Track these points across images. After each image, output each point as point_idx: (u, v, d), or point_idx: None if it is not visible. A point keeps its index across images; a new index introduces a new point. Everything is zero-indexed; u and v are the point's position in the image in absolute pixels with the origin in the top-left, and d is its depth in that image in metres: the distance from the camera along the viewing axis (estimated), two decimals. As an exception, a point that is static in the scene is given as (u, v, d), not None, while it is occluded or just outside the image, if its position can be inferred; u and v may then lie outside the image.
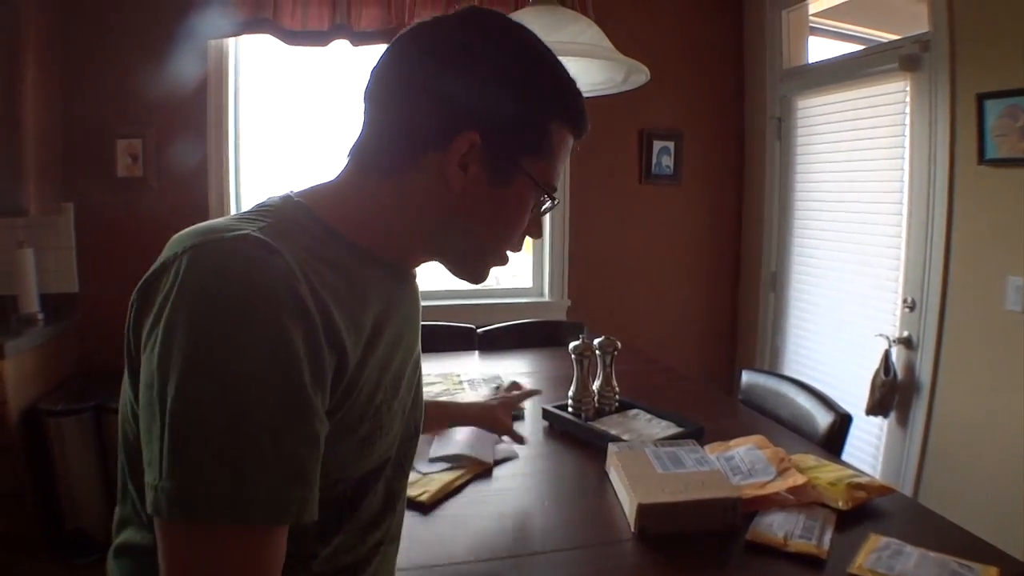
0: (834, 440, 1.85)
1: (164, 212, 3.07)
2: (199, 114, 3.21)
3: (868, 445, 3.12)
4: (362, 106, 0.84)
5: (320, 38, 3.13)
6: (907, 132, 2.90)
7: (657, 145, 3.84)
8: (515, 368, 2.55)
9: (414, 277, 0.95)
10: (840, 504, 1.36)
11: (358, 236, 0.80)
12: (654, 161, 3.84)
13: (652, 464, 1.44)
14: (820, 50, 3.75)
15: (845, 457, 1.81)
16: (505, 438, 1.71)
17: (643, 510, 1.27)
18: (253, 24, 3.04)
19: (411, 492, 1.37)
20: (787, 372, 3.57)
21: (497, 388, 1.95)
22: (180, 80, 3.11)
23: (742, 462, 1.55)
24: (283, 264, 0.67)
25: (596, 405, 1.93)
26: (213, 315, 0.63)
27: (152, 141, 3.13)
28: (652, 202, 3.90)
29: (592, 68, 1.94)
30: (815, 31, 3.79)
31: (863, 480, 1.45)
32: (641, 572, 1.22)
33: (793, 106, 3.66)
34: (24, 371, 2.62)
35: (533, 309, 3.67)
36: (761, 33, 3.79)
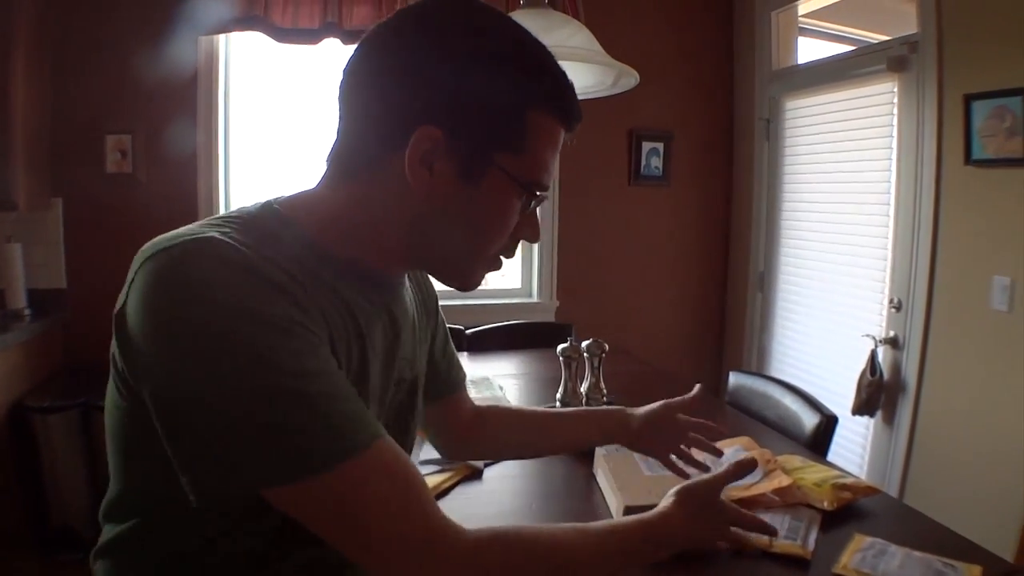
0: (820, 441, 1.87)
1: (153, 208, 3.06)
2: (189, 110, 3.20)
3: (854, 445, 3.14)
4: (336, 110, 0.81)
5: (311, 36, 3.13)
6: (895, 133, 2.92)
7: (646, 146, 3.84)
8: (504, 369, 2.56)
9: (401, 286, 0.91)
10: (825, 504, 1.37)
11: (334, 245, 0.78)
12: (643, 162, 3.85)
13: (639, 466, 1.45)
14: (809, 51, 3.77)
15: (831, 456, 1.82)
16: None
17: (629, 512, 1.27)
18: (244, 21, 3.03)
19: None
20: (774, 372, 3.60)
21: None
22: (170, 76, 3.10)
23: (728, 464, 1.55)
24: (245, 254, 0.67)
25: (584, 407, 1.93)
26: (204, 311, 0.63)
27: (142, 137, 3.12)
28: (641, 203, 3.91)
29: (582, 71, 1.94)
30: (804, 32, 3.81)
31: (848, 481, 1.46)
32: (627, 574, 1.22)
33: (782, 107, 3.67)
34: (10, 367, 2.61)
35: (521, 310, 3.68)
36: (750, 34, 3.81)
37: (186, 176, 3.21)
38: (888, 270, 2.98)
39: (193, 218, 2.98)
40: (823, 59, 3.50)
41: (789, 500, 1.39)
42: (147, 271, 0.66)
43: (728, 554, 1.23)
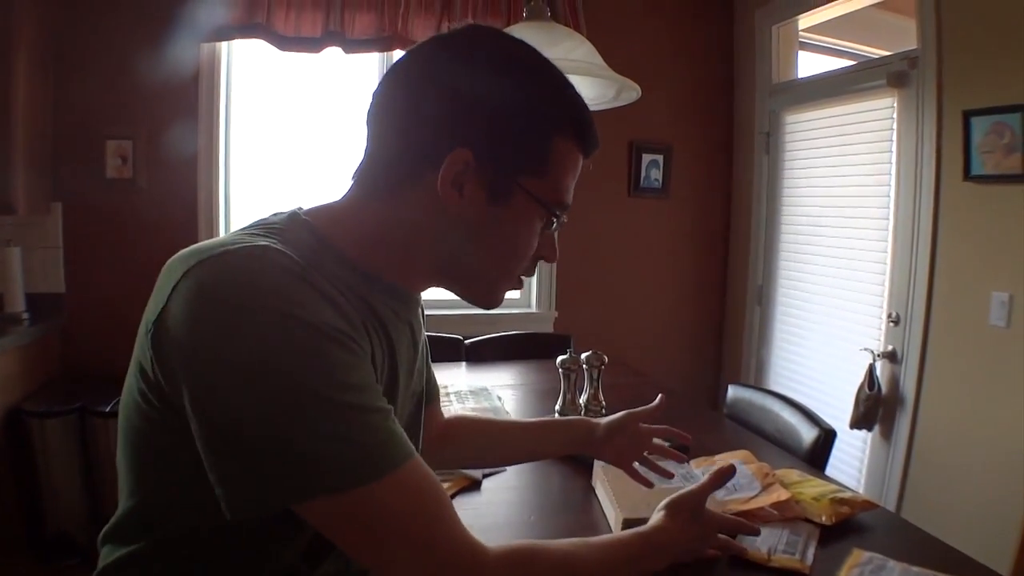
0: (818, 455, 1.86)
1: (153, 214, 3.06)
2: (190, 116, 3.20)
3: (852, 459, 3.14)
4: (364, 128, 0.83)
5: (313, 44, 3.14)
6: (894, 148, 2.93)
7: (646, 158, 3.86)
8: (502, 380, 2.55)
9: (418, 303, 0.93)
10: (824, 519, 1.37)
11: (362, 259, 0.80)
12: (643, 174, 3.86)
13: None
14: (809, 65, 3.79)
15: (829, 470, 1.82)
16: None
17: (628, 525, 1.27)
18: (246, 28, 3.04)
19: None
20: (772, 385, 3.60)
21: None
22: (171, 82, 3.10)
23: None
24: (293, 260, 0.69)
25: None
26: (247, 321, 0.64)
27: (142, 143, 3.12)
28: (640, 215, 3.92)
29: (584, 85, 1.95)
30: (804, 46, 3.83)
31: (847, 495, 1.46)
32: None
33: (781, 121, 3.68)
34: (8, 372, 2.60)
35: (520, 320, 3.68)
36: (751, 48, 3.82)
37: (186, 182, 3.21)
38: (887, 284, 2.99)
39: (193, 225, 2.99)
40: (823, 73, 3.51)
41: (787, 514, 1.39)
42: (197, 279, 0.66)
43: (727, 566, 1.23)
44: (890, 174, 2.95)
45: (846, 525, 1.38)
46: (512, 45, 0.82)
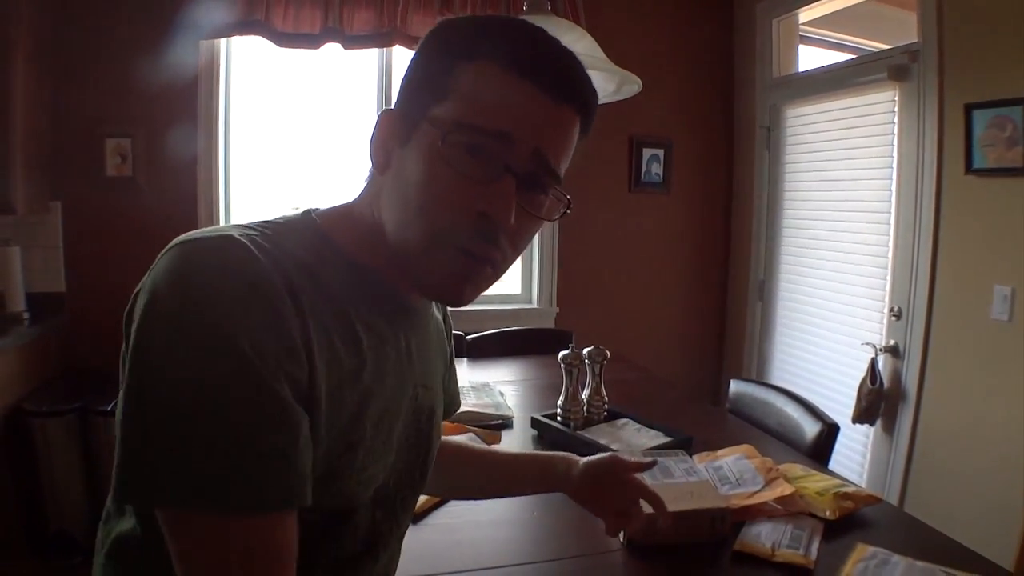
0: (821, 449, 1.86)
1: (153, 212, 3.05)
2: (189, 114, 3.20)
3: (854, 453, 3.14)
4: None
5: (312, 41, 3.13)
6: (895, 141, 2.93)
7: (647, 153, 3.85)
8: (504, 376, 2.55)
9: (423, 314, 0.88)
10: (827, 514, 1.37)
11: (361, 256, 0.77)
12: (644, 169, 3.86)
13: (641, 475, 1.44)
14: (810, 59, 3.78)
15: (832, 465, 1.82)
16: (494, 446, 1.72)
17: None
18: (245, 25, 3.03)
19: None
20: (774, 380, 3.59)
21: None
22: (171, 80, 3.09)
23: (730, 472, 1.56)
24: (259, 265, 0.64)
25: (585, 414, 1.93)
26: (181, 304, 0.61)
27: (142, 141, 3.12)
28: (641, 210, 3.91)
29: (585, 77, 1.94)
30: (805, 40, 3.82)
31: (850, 490, 1.46)
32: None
33: (782, 115, 3.68)
34: (8, 371, 2.60)
35: (521, 316, 3.68)
36: (751, 42, 3.81)
37: (186, 180, 3.21)
38: (888, 279, 2.98)
39: (193, 223, 3.00)
40: (824, 67, 3.50)
41: (791, 509, 1.39)
42: (155, 271, 0.64)
43: (729, 562, 1.23)
44: (891, 168, 2.95)
45: (850, 520, 1.38)
46: (466, 21, 0.78)
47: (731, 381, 2.39)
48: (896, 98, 2.92)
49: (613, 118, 3.52)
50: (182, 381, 0.58)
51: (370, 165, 0.78)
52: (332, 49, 3.17)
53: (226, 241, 0.65)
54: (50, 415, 2.63)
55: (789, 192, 3.67)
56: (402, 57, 3.39)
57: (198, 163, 3.22)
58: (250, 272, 0.63)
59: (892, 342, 2.94)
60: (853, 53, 3.72)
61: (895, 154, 2.93)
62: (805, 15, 3.65)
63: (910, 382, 2.86)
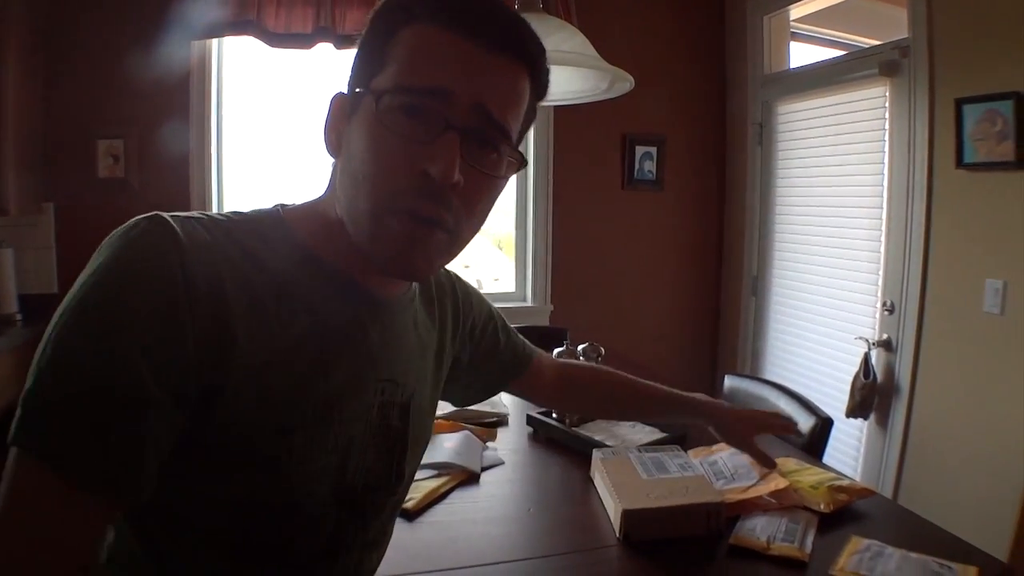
0: (815, 443, 1.87)
1: (145, 213, 3.04)
2: (182, 115, 3.19)
3: (848, 447, 3.15)
4: None
5: (304, 40, 3.12)
6: (887, 137, 2.94)
7: (640, 150, 3.85)
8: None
9: (399, 306, 0.87)
10: (822, 507, 1.38)
11: (319, 247, 0.78)
12: (637, 166, 3.86)
13: (636, 470, 1.45)
14: (801, 55, 3.79)
15: (826, 460, 1.83)
16: (490, 444, 1.73)
17: (628, 516, 1.28)
18: (236, 25, 3.03)
19: (396, 498, 1.37)
20: (768, 375, 3.60)
21: None
22: (163, 80, 3.09)
23: (725, 467, 1.56)
24: (168, 243, 0.67)
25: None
26: (88, 273, 0.65)
27: (134, 142, 3.11)
28: (635, 207, 3.91)
29: (577, 76, 1.94)
30: (796, 37, 3.83)
31: (844, 483, 1.46)
32: (626, 576, 1.23)
33: (774, 111, 3.69)
34: (2, 373, 2.59)
35: (516, 314, 3.68)
36: (743, 39, 3.82)
37: (179, 181, 3.20)
38: (881, 273, 2.99)
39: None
40: (815, 63, 3.51)
41: (786, 503, 1.39)
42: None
43: (725, 556, 1.24)
44: (883, 163, 2.96)
45: (844, 513, 1.39)
46: None
47: (725, 376, 2.40)
48: (887, 93, 2.93)
49: (605, 116, 3.54)
50: (56, 345, 0.62)
51: (325, 150, 0.79)
52: (324, 49, 3.16)
53: (146, 228, 0.68)
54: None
55: (782, 188, 3.68)
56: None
57: (190, 163, 3.22)
58: (155, 263, 0.65)
59: (885, 336, 2.96)
60: (844, 49, 3.73)
61: (886, 149, 2.94)
62: (796, 12, 3.66)
63: (903, 376, 2.87)
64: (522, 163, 0.77)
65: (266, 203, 0.82)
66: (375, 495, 0.86)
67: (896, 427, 2.90)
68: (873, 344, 2.98)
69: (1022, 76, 2.34)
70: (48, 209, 3.04)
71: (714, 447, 1.68)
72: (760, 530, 1.29)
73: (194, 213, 0.73)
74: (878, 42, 3.09)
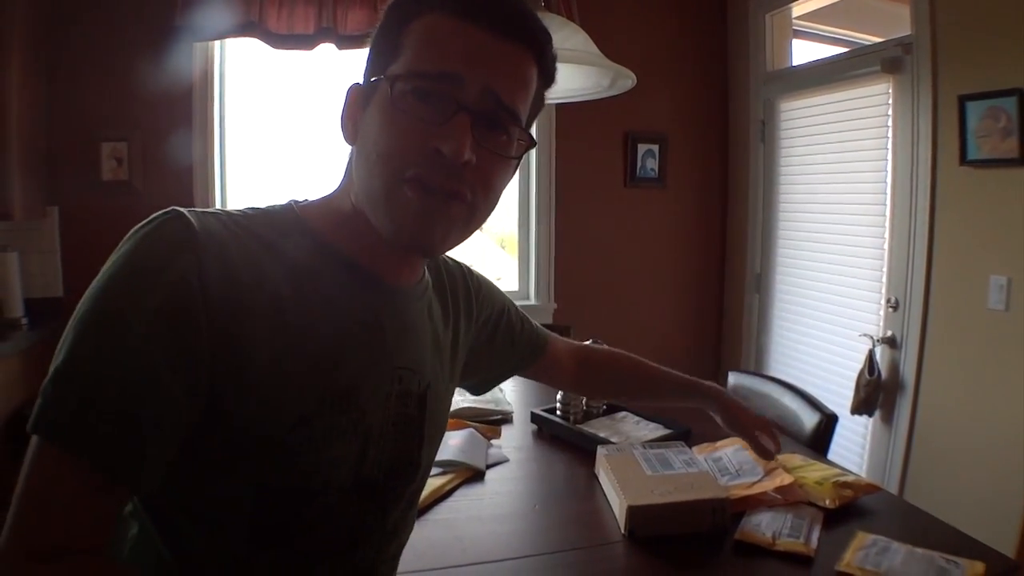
0: (820, 440, 1.87)
1: (149, 215, 3.04)
2: (185, 117, 3.19)
3: (853, 444, 3.15)
4: None
5: (306, 41, 3.13)
6: (890, 134, 2.93)
7: (642, 148, 3.85)
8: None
9: (415, 295, 0.89)
10: (827, 503, 1.38)
11: (334, 238, 0.80)
12: (639, 164, 3.86)
13: (641, 466, 1.45)
14: (803, 53, 3.79)
15: (831, 456, 1.83)
16: (495, 441, 1.73)
17: (633, 512, 1.28)
18: (240, 27, 3.03)
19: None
20: (772, 373, 3.60)
21: None
22: (166, 83, 3.09)
23: (730, 463, 1.56)
24: (184, 237, 0.69)
25: (584, 408, 1.94)
26: (107, 268, 0.68)
27: (138, 144, 3.11)
28: (637, 205, 3.91)
29: (579, 74, 1.95)
30: (798, 34, 3.83)
31: (849, 479, 1.46)
32: (632, 573, 1.23)
33: (777, 109, 3.68)
34: (9, 377, 2.60)
35: (520, 312, 3.67)
36: (745, 36, 3.82)
37: (182, 183, 3.20)
38: (885, 270, 2.99)
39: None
40: (818, 61, 3.51)
41: (791, 498, 1.39)
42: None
43: (731, 552, 1.24)
44: (886, 160, 2.95)
45: (850, 509, 1.39)
46: None
47: (729, 373, 2.40)
48: (890, 90, 2.92)
49: (607, 114, 3.54)
50: (76, 337, 0.65)
51: (343, 140, 0.81)
52: (326, 50, 3.17)
53: (164, 223, 0.71)
54: (51, 419, 2.62)
55: (784, 185, 3.67)
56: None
57: (194, 166, 3.22)
58: (165, 256, 0.68)
59: (889, 333, 2.95)
60: (846, 46, 3.73)
61: (890, 146, 2.94)
62: (798, 9, 3.65)
63: (908, 372, 2.87)
64: (531, 143, 0.80)
65: (276, 201, 0.84)
66: (394, 484, 0.87)
67: (901, 424, 2.89)
68: (877, 341, 2.97)
69: (1026, 72, 2.34)
70: (52, 213, 3.05)
71: (718, 443, 1.68)
72: (766, 526, 1.29)
73: (211, 208, 0.76)
74: (881, 39, 3.09)
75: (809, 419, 1.93)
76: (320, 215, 0.81)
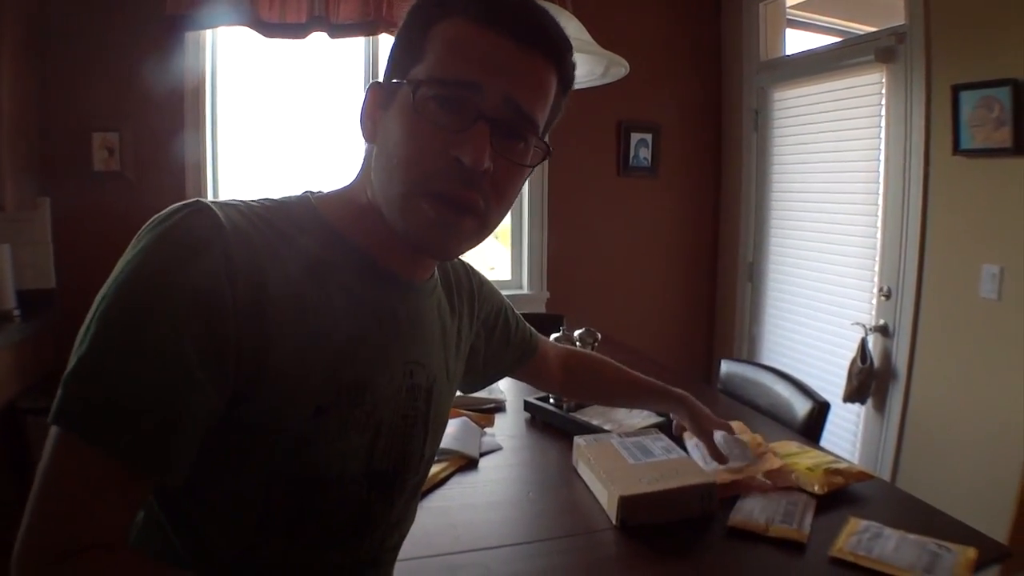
0: (812, 428, 1.88)
1: (141, 206, 2.99)
2: (177, 107, 3.18)
3: (846, 432, 3.16)
4: None
5: (298, 30, 3.11)
6: (883, 123, 2.94)
7: (635, 137, 3.85)
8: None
9: (426, 290, 0.90)
10: (816, 488, 1.38)
11: (349, 230, 0.80)
12: (632, 153, 3.86)
13: (622, 455, 1.44)
14: (797, 42, 3.79)
15: (823, 444, 1.83)
16: (488, 429, 1.73)
17: (624, 502, 1.28)
18: (231, 16, 3.01)
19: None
20: (765, 361, 3.60)
21: None
22: (157, 73, 3.07)
23: (721, 448, 1.56)
24: (211, 227, 0.69)
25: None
26: (131, 256, 0.68)
27: (129, 134, 3.10)
28: (630, 194, 3.92)
29: (572, 61, 1.94)
30: (792, 23, 3.83)
31: (841, 466, 1.47)
32: (627, 560, 1.23)
33: (770, 98, 3.68)
34: (1, 369, 2.59)
35: (513, 301, 3.63)
36: (738, 25, 3.81)
37: (175, 173, 3.19)
38: (878, 259, 3.00)
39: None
40: (811, 50, 3.51)
41: (781, 483, 1.40)
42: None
43: (725, 538, 1.24)
44: (879, 149, 2.96)
45: (843, 495, 1.40)
46: None
47: (721, 361, 2.41)
48: (883, 80, 2.93)
49: (601, 103, 3.53)
50: (100, 325, 0.66)
51: (361, 137, 0.82)
52: (318, 38, 3.15)
53: (190, 212, 0.70)
54: (44, 412, 2.57)
55: (777, 174, 3.68)
56: (388, 45, 3.38)
57: (186, 156, 3.20)
58: (197, 242, 0.68)
59: (882, 322, 2.96)
60: (840, 36, 3.73)
61: (883, 135, 2.94)
62: (791, -2, 3.66)
63: (900, 361, 2.88)
64: (548, 152, 0.82)
65: (287, 192, 0.84)
66: (402, 475, 0.88)
67: (893, 412, 2.91)
68: (870, 329, 2.98)
69: (1019, 63, 2.34)
70: (44, 204, 3.03)
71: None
72: (759, 512, 1.29)
73: (229, 199, 0.76)
74: (874, 29, 3.09)
75: (801, 407, 1.94)
76: (336, 208, 0.82)
